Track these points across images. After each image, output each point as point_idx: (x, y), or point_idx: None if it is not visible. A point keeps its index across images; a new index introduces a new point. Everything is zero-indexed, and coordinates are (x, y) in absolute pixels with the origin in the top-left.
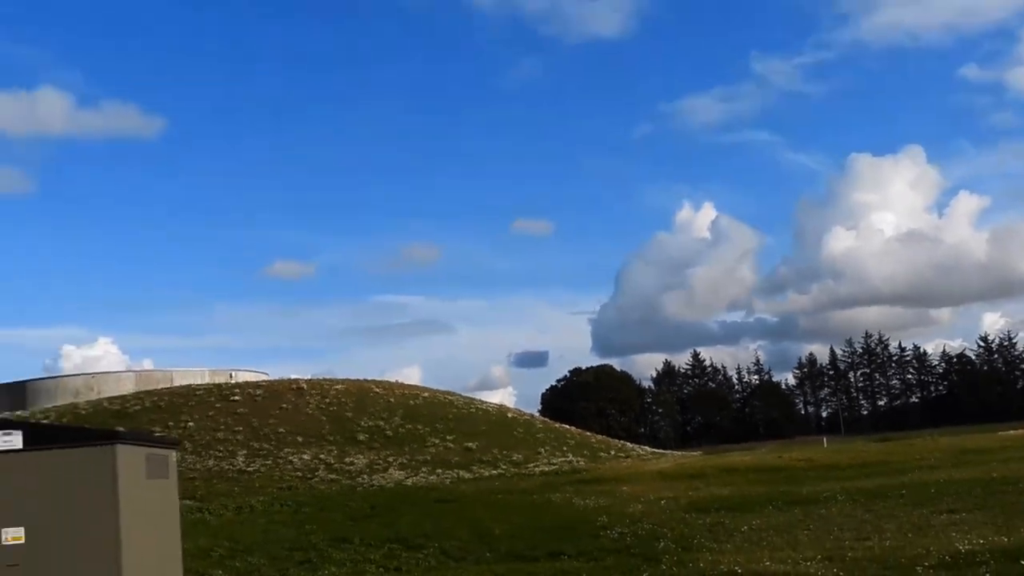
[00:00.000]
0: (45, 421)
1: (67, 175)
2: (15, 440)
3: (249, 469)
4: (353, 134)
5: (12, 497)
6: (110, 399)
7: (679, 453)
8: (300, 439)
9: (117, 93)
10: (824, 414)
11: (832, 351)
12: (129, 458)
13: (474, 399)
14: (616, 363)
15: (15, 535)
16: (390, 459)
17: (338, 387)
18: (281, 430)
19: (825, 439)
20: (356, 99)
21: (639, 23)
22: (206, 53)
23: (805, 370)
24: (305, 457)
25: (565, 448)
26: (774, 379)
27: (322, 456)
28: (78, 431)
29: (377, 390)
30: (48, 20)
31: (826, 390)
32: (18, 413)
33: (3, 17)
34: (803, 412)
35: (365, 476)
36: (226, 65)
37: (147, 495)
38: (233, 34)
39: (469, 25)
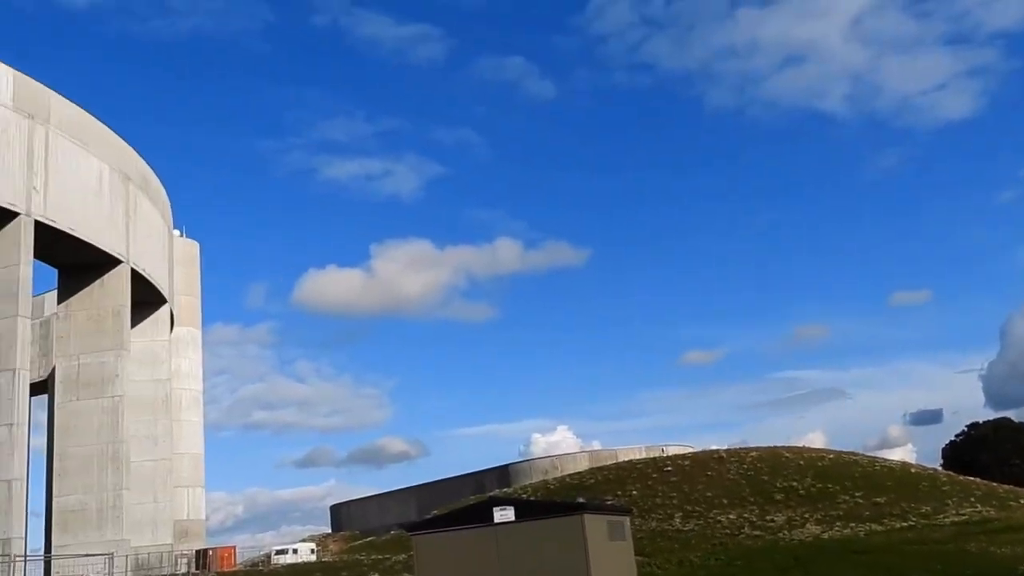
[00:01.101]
0: (525, 496)
1: (520, 302)
2: (509, 514)
3: (685, 528)
4: (736, 242)
5: (511, 558)
6: (571, 475)
7: None
8: (725, 501)
9: (553, 234)
10: None
11: None
12: (594, 525)
13: (876, 457)
14: (1013, 415)
15: None
16: (806, 515)
17: (753, 454)
18: (708, 494)
19: None
20: (738, 207)
21: (987, 101)
22: (621, 196)
23: None
24: (731, 516)
25: (972, 499)
26: None
27: (745, 515)
28: (554, 505)
29: (787, 454)
30: (499, 187)
31: None
32: (505, 490)
33: (467, 190)
34: None
35: (785, 532)
36: (631, 198)
37: (610, 555)
38: (631, 174)
39: (824, 130)
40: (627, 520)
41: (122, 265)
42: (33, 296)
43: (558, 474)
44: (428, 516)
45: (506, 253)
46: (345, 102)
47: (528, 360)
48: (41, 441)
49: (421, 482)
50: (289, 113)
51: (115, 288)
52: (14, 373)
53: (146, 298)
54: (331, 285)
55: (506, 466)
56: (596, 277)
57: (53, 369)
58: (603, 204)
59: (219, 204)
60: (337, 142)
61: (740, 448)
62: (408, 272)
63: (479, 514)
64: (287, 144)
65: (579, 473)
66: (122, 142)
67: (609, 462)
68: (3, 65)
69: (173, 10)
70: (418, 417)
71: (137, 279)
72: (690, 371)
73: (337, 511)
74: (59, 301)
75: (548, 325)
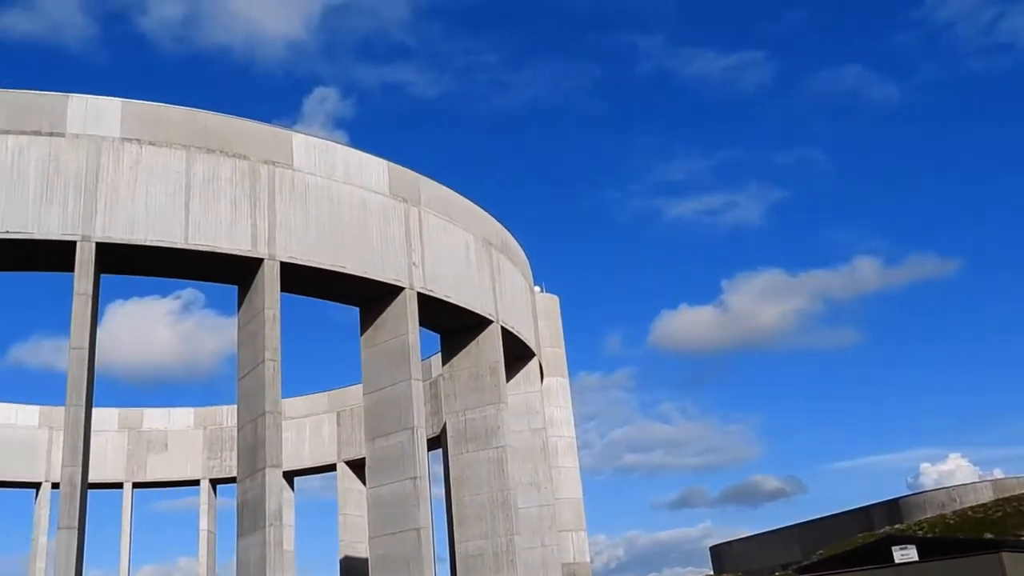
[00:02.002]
0: (920, 533)
1: (887, 322)
2: (911, 553)
3: None
4: None
5: None
6: (972, 508)
7: None
8: None
9: (915, 247)
10: None
11: None
12: (1016, 564)
13: None
14: None
15: None
16: None
17: None
18: None
19: None
20: None
21: None
22: (990, 194)
23: None
24: None
25: None
26: None
27: None
28: (963, 543)
29: None
30: (849, 203)
31: None
32: (897, 526)
33: (816, 211)
34: None
35: None
36: (1002, 195)
37: None
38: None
39: None
40: None
41: (493, 325)
42: (422, 360)
43: (957, 507)
44: (817, 556)
45: (865, 272)
46: (680, 141)
47: (905, 384)
48: (439, 492)
49: (801, 520)
50: (627, 161)
51: (489, 346)
52: (413, 431)
53: (517, 353)
54: (685, 324)
55: (895, 500)
56: (972, 286)
57: (444, 425)
58: (970, 205)
59: (572, 257)
60: (676, 182)
61: None
62: (762, 303)
63: (876, 554)
64: (628, 191)
65: (982, 505)
66: (482, 211)
67: (1018, 492)
68: (379, 159)
69: (510, 86)
70: (790, 452)
71: (507, 336)
72: None
73: (718, 552)
74: (443, 362)
75: (923, 344)
